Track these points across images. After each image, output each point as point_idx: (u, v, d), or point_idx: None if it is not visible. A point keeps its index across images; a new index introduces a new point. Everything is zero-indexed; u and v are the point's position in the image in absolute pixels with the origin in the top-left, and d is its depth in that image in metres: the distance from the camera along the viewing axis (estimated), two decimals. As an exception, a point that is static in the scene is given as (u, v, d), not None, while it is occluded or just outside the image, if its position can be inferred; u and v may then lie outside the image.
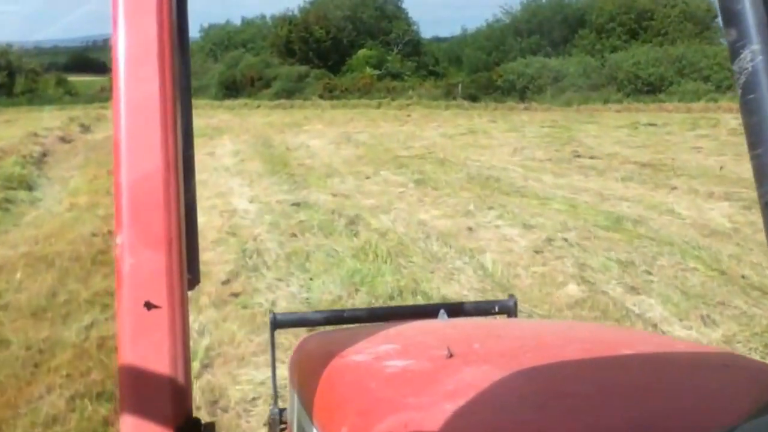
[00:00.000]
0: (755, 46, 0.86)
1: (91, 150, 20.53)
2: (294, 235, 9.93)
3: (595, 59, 40.76)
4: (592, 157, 15.03)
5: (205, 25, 61.74)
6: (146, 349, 1.07)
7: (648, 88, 37.13)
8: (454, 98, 40.40)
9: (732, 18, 0.89)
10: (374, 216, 10.76)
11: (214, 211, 11.71)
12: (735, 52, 0.87)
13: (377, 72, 49.64)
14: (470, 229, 9.70)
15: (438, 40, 62.38)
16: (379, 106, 36.41)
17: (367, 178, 14.15)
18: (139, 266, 1.07)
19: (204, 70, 51.80)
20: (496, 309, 2.24)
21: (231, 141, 21.65)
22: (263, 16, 62.38)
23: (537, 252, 8.35)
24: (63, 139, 22.84)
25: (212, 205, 12.18)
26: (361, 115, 31.16)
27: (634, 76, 37.68)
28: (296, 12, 55.19)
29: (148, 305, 1.06)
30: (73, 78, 56.40)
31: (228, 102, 43.52)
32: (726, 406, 1.17)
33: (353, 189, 13.09)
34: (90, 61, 61.51)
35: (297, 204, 11.87)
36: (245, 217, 11.29)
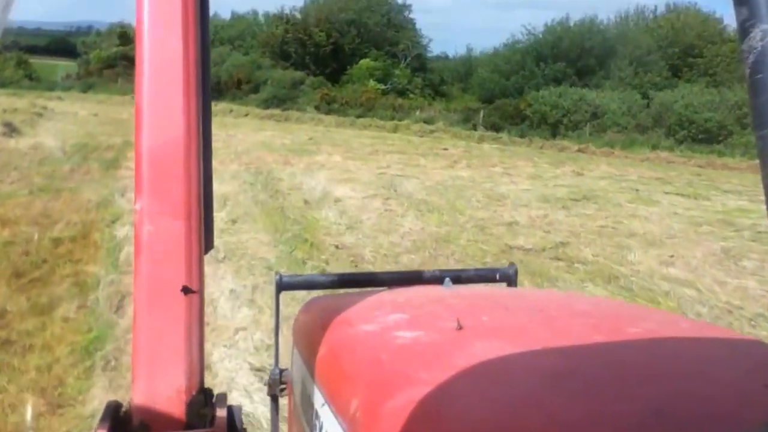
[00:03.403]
0: (766, 25, 0.78)
1: None
2: None
3: (637, 96, 33.74)
4: None
5: (192, 16, 54.52)
6: (162, 319, 1.01)
7: (703, 136, 30.17)
8: (475, 126, 33.25)
9: None
10: None
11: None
12: (744, 32, 0.79)
13: (382, 86, 42.29)
14: None
15: (442, 57, 54.90)
16: (395, 129, 28.96)
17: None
18: (158, 234, 1.01)
19: (186, 66, 43.99)
20: (498, 277, 2.12)
21: (215, 174, 14.00)
22: (255, 12, 55.19)
23: None
24: (-31, 146, 15.05)
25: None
26: (381, 142, 23.62)
27: (686, 120, 30.69)
28: (292, 11, 47.61)
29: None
30: (41, 60, 50.59)
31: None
32: (749, 395, 1.03)
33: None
34: (66, 44, 56.08)
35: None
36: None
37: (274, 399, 2.06)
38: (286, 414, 1.98)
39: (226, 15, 52.96)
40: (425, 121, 33.20)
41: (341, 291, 2.12)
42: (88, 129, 21.48)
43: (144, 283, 1.00)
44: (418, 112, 36.63)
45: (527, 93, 37.58)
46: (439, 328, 1.34)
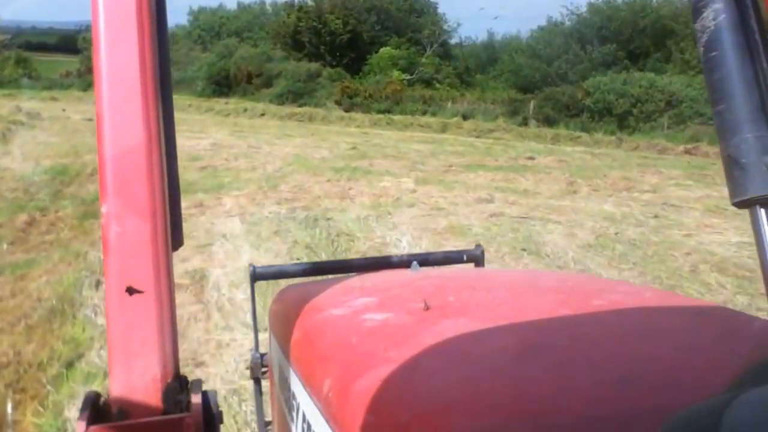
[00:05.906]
0: (717, 4, 0.80)
1: None
2: None
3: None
4: None
5: (195, 7, 49.48)
6: (134, 312, 1.03)
7: (807, 126, 24.85)
8: (525, 120, 28.05)
9: None
10: None
11: None
12: (697, 12, 0.82)
13: (407, 76, 36.97)
14: None
15: (464, 43, 49.28)
16: (444, 129, 23.65)
17: None
18: (125, 235, 1.03)
19: (189, 60, 38.81)
20: (465, 258, 2.15)
21: (242, 221, 8.81)
22: (262, 2, 49.84)
23: None
24: None
25: None
26: (439, 147, 18.39)
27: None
28: (305, -2, 42.13)
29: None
30: (48, 58, 48.45)
31: (219, 103, 30.38)
32: (715, 360, 1.03)
33: None
34: (74, 42, 53.77)
35: None
36: None
37: (257, 382, 2.06)
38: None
39: (232, 6, 47.87)
40: (464, 116, 28.10)
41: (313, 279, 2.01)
42: (75, 141, 16.32)
43: (114, 281, 1.01)
44: (450, 104, 31.48)
45: (573, 79, 32.36)
46: (406, 310, 1.32)
